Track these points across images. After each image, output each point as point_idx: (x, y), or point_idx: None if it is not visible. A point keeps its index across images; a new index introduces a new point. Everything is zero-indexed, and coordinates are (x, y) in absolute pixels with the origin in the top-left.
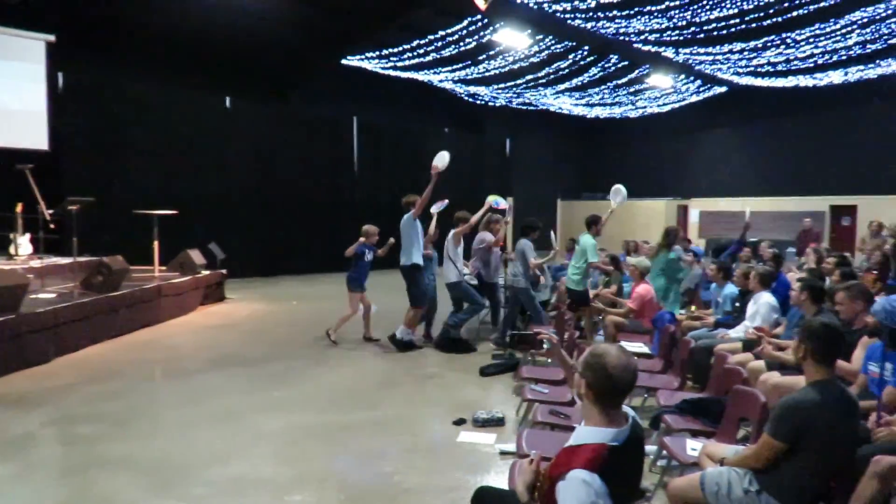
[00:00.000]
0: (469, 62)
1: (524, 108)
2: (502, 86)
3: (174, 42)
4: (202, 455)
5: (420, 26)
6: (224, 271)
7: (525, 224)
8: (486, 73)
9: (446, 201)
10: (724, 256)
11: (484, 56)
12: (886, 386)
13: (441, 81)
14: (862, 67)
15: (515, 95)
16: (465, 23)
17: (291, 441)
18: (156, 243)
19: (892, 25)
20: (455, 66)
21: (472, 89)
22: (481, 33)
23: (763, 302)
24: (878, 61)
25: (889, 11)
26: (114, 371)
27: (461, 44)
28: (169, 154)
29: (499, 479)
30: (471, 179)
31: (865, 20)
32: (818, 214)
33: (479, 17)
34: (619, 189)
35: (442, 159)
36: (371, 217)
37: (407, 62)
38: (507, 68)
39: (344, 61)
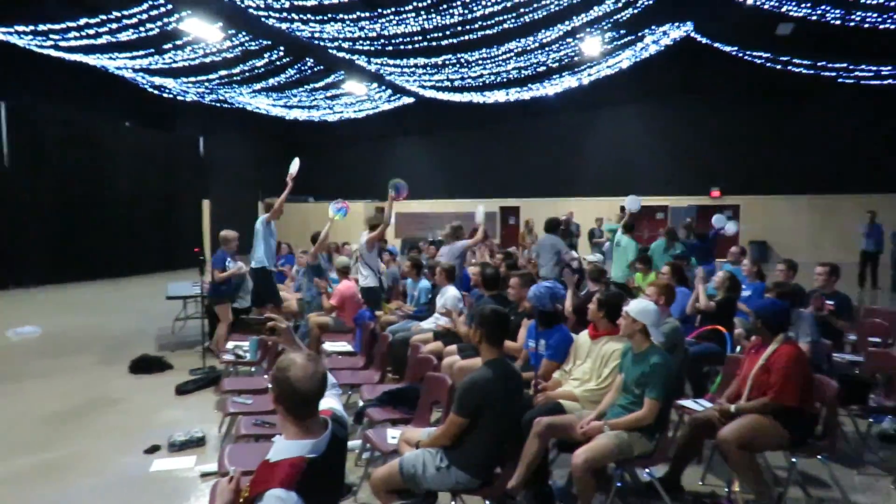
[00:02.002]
0: (152, 50)
1: (219, 105)
2: (193, 79)
3: None
4: None
5: (88, 2)
6: None
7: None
8: (174, 65)
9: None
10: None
11: (170, 45)
12: (542, 359)
13: (120, 69)
14: (518, 89)
15: (208, 91)
16: (146, 6)
17: None
18: None
19: (539, 56)
20: (136, 54)
21: (159, 81)
22: (165, 20)
23: (449, 295)
24: (529, 85)
25: (536, 45)
26: None
27: (141, 29)
28: None
29: None
30: (160, 179)
31: (520, 49)
32: (491, 215)
33: (161, 1)
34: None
35: (294, 166)
36: (33, 221)
37: (73, 42)
38: (197, 61)
39: None
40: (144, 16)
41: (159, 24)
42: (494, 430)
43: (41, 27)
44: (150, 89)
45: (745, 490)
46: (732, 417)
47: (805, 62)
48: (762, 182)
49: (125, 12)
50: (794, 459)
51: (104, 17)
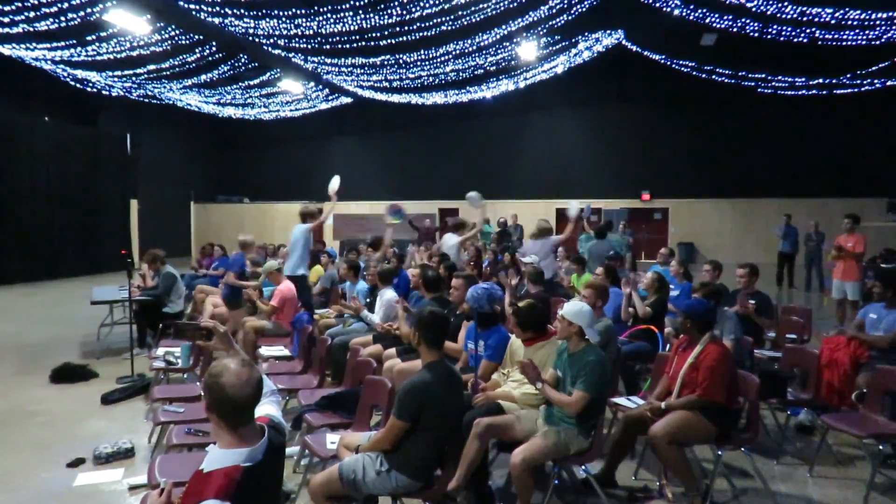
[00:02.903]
0: (74, 41)
1: (147, 101)
2: (119, 73)
3: None
4: None
5: None
6: None
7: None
8: (98, 58)
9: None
10: None
11: (94, 37)
12: (481, 360)
13: (36, 60)
14: (456, 91)
15: (136, 86)
16: None
17: None
18: None
19: (477, 59)
20: (55, 45)
21: (81, 74)
22: (88, 10)
23: (386, 298)
24: (467, 88)
25: (474, 47)
26: None
27: (61, 18)
28: None
29: None
30: (83, 177)
31: (458, 52)
32: (430, 216)
33: None
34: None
35: (335, 182)
36: None
37: None
38: (124, 54)
39: None
40: (65, 4)
41: (82, 13)
42: (435, 432)
43: None
44: (73, 83)
45: (674, 483)
46: (663, 414)
47: (727, 72)
48: (689, 186)
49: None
50: (719, 452)
51: (20, 4)
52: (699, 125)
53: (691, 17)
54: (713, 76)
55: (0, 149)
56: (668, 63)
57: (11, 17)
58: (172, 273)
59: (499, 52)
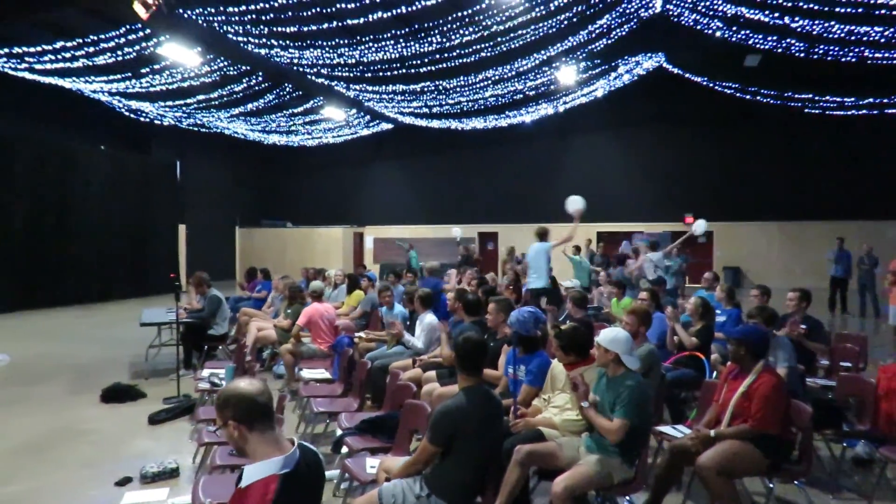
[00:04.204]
0: (129, 74)
1: (196, 129)
2: (170, 104)
3: None
4: None
5: (66, 27)
6: None
7: None
8: (151, 89)
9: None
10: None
11: (147, 69)
12: (521, 385)
13: (95, 93)
14: (496, 116)
15: (186, 115)
16: (123, 30)
17: None
18: None
19: (516, 85)
20: (112, 77)
21: (135, 104)
22: (143, 44)
23: (426, 322)
24: (506, 112)
25: (513, 73)
26: None
27: (118, 53)
28: None
29: None
30: (135, 203)
31: (497, 77)
32: (469, 240)
33: (139, 26)
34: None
35: (577, 203)
36: (3, 245)
37: (48, 66)
38: (175, 85)
39: None
40: (122, 40)
41: (137, 48)
42: (473, 457)
43: (16, 50)
44: (127, 113)
45: None
46: (711, 443)
47: (772, 93)
48: (734, 208)
49: (102, 36)
50: (771, 485)
51: (80, 40)
52: (744, 146)
53: (734, 39)
54: (758, 97)
55: (60, 176)
56: (711, 85)
57: (73, 52)
58: (218, 296)
59: (538, 76)
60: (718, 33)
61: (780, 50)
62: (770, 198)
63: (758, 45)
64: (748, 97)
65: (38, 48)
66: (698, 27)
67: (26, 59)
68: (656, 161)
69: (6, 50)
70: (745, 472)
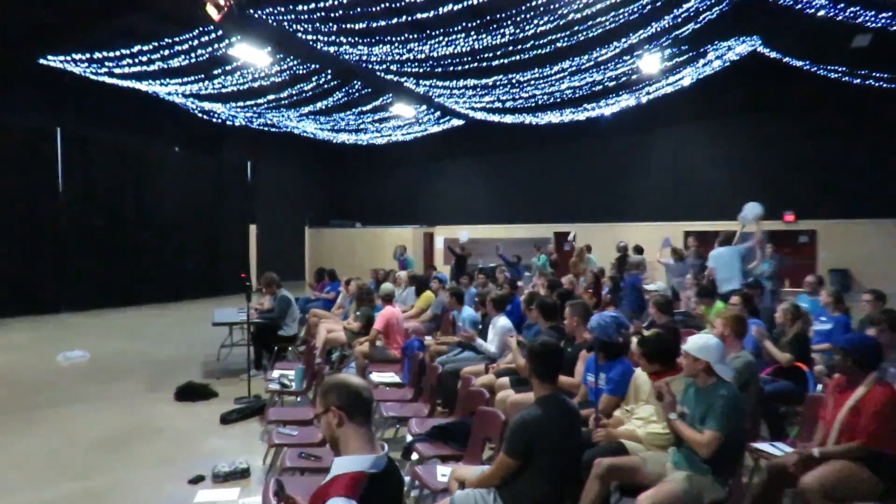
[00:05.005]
0: (202, 76)
1: (266, 129)
2: (241, 104)
3: None
4: None
5: (141, 31)
6: None
7: None
8: (223, 90)
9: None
10: None
11: (219, 71)
12: (602, 394)
13: (169, 95)
14: (573, 109)
15: (256, 115)
16: (196, 32)
17: None
18: None
19: (595, 75)
20: (185, 79)
21: (207, 105)
22: (215, 46)
23: (500, 326)
24: (584, 105)
25: (591, 62)
26: None
27: (192, 55)
28: None
29: None
30: (207, 204)
31: (574, 68)
32: (546, 240)
33: (211, 27)
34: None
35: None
36: (80, 246)
37: (126, 69)
38: (246, 86)
39: (43, 62)
40: (195, 42)
41: (209, 49)
42: (550, 470)
43: (97, 55)
44: (200, 114)
45: None
46: (816, 464)
47: (885, 76)
48: (842, 205)
49: (177, 38)
50: None
51: (156, 44)
52: (852, 135)
53: (840, 18)
54: (868, 81)
55: (135, 178)
56: (813, 69)
57: (149, 55)
58: (288, 297)
59: (618, 66)
60: (822, 12)
61: (894, 28)
62: (884, 193)
63: (868, 24)
64: (857, 81)
65: (117, 52)
66: (798, 6)
67: (106, 63)
68: (751, 154)
69: (88, 55)
70: (854, 495)
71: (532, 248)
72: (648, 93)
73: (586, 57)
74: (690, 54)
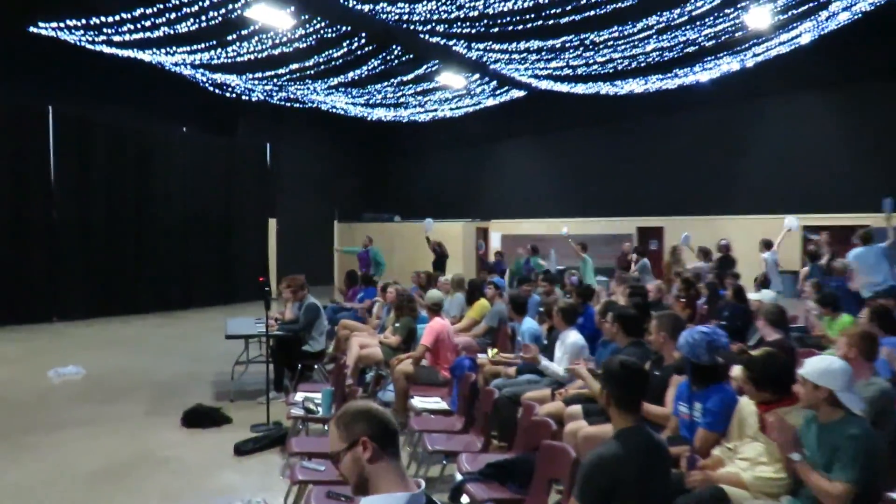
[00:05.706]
0: (214, 42)
1: (289, 105)
2: (260, 75)
3: None
4: None
5: None
6: None
7: None
8: (238, 59)
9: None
10: None
11: (234, 36)
12: (698, 428)
13: (177, 65)
14: (661, 76)
15: (277, 89)
16: None
17: None
18: None
19: (688, 33)
20: (195, 47)
21: (220, 77)
22: (229, 6)
23: (570, 342)
24: (675, 71)
25: (684, 18)
26: None
27: (202, 18)
28: None
29: None
30: (221, 194)
31: (662, 25)
32: (624, 237)
33: None
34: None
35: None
36: (80, 247)
37: (127, 37)
38: (265, 53)
39: (33, 29)
40: (206, 3)
41: (223, 11)
42: None
43: (94, 20)
44: (211, 88)
45: None
46: None
47: None
48: None
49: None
50: None
51: (161, 6)
52: None
53: None
54: None
55: (137, 165)
56: None
57: (153, 20)
58: (316, 305)
59: (718, 22)
60: None
61: None
62: None
63: None
64: None
65: (117, 17)
66: None
67: (105, 30)
68: (887, 129)
69: (83, 21)
70: None
71: (604, 246)
72: (756, 55)
73: (678, 11)
74: (810, 5)
